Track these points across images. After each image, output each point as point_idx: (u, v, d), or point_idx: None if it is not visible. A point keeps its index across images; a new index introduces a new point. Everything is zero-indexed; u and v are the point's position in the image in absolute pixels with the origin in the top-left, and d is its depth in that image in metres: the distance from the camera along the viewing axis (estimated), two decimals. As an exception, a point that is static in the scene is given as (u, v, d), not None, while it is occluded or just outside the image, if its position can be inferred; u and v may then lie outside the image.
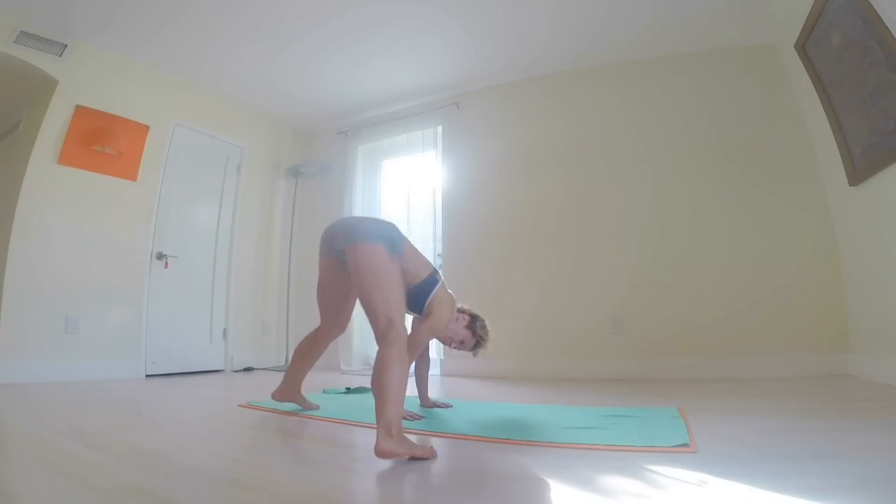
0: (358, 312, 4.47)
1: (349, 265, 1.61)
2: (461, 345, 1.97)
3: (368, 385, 1.47)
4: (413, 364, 2.09)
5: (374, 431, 1.20)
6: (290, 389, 2.03)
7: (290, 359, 4.30)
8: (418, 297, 1.84)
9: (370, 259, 1.56)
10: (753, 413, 1.81)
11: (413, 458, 1.24)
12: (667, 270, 3.23)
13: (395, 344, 1.40)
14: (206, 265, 4.02)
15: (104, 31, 3.23)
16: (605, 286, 3.36)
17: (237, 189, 4.29)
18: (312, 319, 4.34)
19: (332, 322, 1.98)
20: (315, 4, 3.03)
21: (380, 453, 1.18)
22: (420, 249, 1.94)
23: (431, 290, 1.84)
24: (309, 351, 2.03)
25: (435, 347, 3.51)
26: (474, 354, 2.03)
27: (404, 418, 1.78)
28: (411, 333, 1.90)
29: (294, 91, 4.19)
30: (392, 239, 1.66)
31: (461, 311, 1.98)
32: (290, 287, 4.51)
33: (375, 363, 1.39)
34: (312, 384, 3.09)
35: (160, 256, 3.64)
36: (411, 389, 2.19)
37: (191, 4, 2.99)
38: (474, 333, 1.96)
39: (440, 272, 2.14)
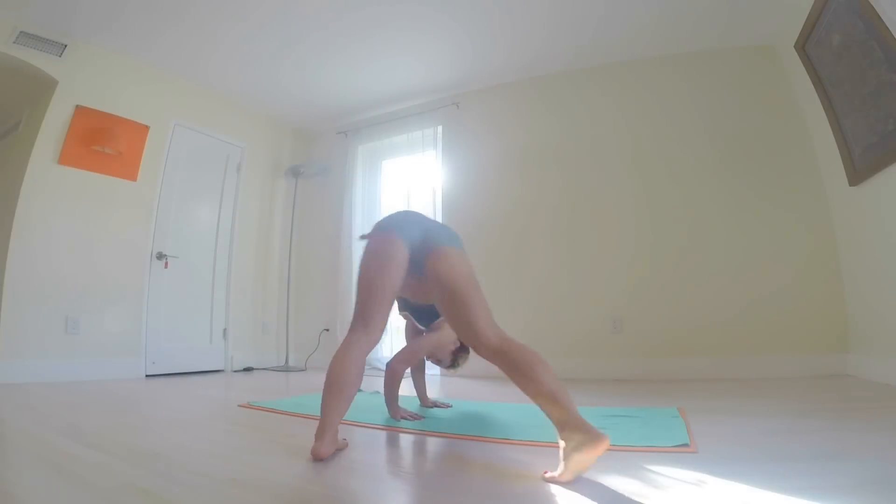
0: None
1: (435, 267, 1.40)
2: (438, 362, 2.04)
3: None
4: (409, 370, 2.11)
5: (373, 431, 1.18)
6: (335, 438, 1.29)
7: (289, 361, 4.34)
8: (436, 312, 1.90)
9: (470, 270, 1.44)
10: (753, 413, 1.81)
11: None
12: (667, 270, 3.23)
13: (522, 347, 1.26)
14: (206, 265, 4.02)
15: (104, 32, 3.24)
16: (605, 286, 3.36)
17: (237, 189, 4.29)
18: (312, 320, 4.32)
19: (384, 323, 1.44)
20: (315, 5, 3.03)
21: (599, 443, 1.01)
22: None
23: None
24: (357, 375, 1.34)
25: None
26: (448, 366, 2.06)
27: (404, 417, 1.78)
28: (416, 343, 1.95)
29: (294, 91, 4.19)
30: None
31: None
32: (290, 287, 4.51)
33: (524, 368, 1.21)
34: (313, 384, 3.09)
35: (160, 256, 3.64)
36: (410, 390, 2.19)
37: (191, 5, 2.99)
38: (453, 362, 2.02)
39: None
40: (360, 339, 1.37)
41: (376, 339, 1.41)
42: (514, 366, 1.22)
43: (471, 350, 1.97)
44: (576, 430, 1.04)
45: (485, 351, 1.30)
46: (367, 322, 1.39)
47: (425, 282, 1.46)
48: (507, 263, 3.68)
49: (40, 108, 3.22)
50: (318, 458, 1.21)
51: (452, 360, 2.02)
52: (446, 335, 1.92)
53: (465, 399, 2.38)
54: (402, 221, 1.50)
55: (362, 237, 1.53)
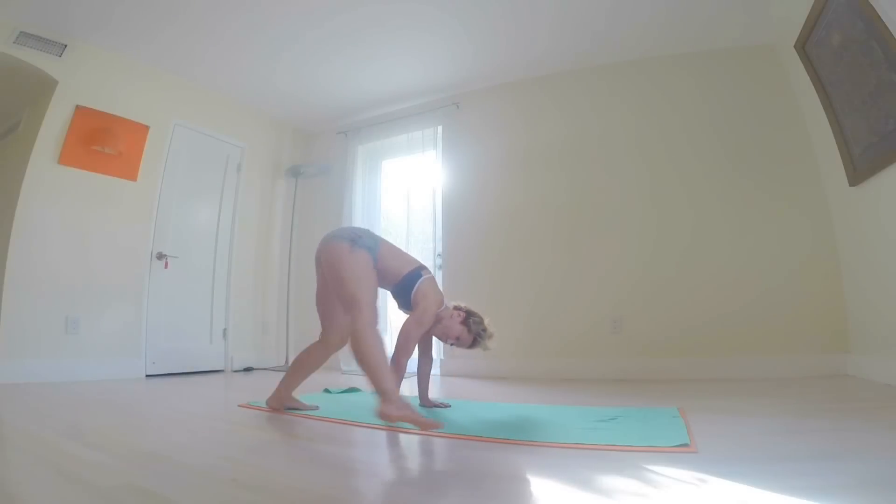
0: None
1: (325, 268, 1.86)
2: (457, 341, 1.97)
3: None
4: (417, 363, 2.10)
5: (372, 431, 1.20)
6: (281, 397, 1.99)
7: (289, 360, 4.33)
8: (403, 291, 1.94)
9: (334, 253, 1.82)
10: (753, 413, 1.81)
11: (415, 424, 1.43)
12: (666, 270, 3.23)
13: (360, 317, 1.60)
14: (206, 265, 4.02)
15: (104, 32, 3.23)
16: (605, 286, 3.36)
17: (237, 189, 4.29)
18: (312, 319, 4.38)
19: (329, 328, 2.02)
20: (315, 5, 3.03)
21: (379, 415, 1.39)
22: (420, 249, 1.98)
23: (414, 283, 1.92)
24: (307, 361, 2.03)
25: (436, 347, 3.51)
26: (483, 348, 1.99)
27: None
28: (400, 329, 1.91)
29: (294, 91, 4.19)
30: (353, 237, 1.86)
31: (457, 307, 1.98)
32: (290, 287, 4.51)
33: (350, 342, 1.62)
34: (313, 384, 3.09)
35: (160, 256, 3.64)
36: (411, 390, 2.19)
37: (191, 5, 2.99)
38: (470, 330, 1.95)
39: (431, 270, 2.21)
40: (319, 339, 2.03)
41: (326, 336, 2.03)
42: (351, 334, 1.68)
43: (481, 325, 1.98)
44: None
45: (346, 309, 1.75)
46: (322, 328, 2.05)
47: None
48: (507, 263, 3.68)
49: (40, 108, 3.22)
50: (269, 404, 1.91)
51: (469, 331, 1.94)
52: (422, 308, 1.88)
53: (465, 399, 2.38)
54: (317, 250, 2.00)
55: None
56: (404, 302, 1.98)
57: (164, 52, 3.52)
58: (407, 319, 1.91)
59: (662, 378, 2.98)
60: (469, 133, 4.05)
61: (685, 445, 1.29)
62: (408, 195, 4.25)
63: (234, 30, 3.27)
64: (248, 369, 4.14)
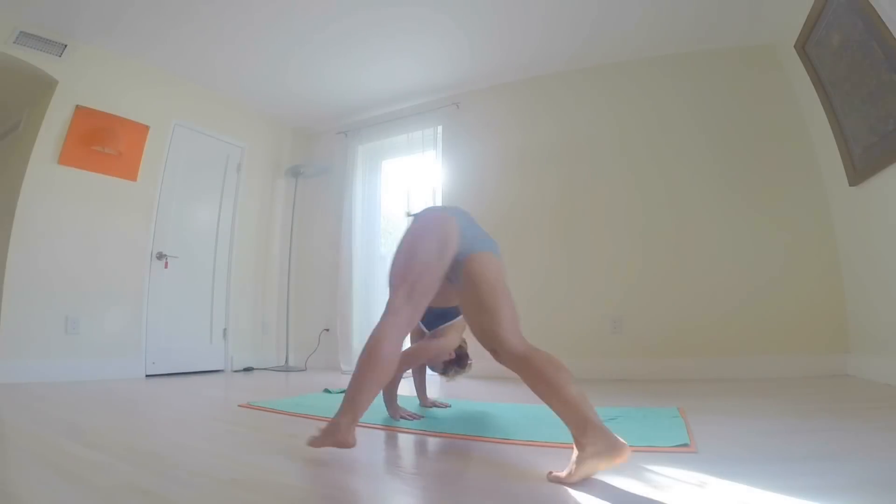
0: (358, 309, 4.35)
1: (469, 268, 1.37)
2: (442, 367, 2.02)
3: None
4: (410, 370, 2.10)
5: (372, 431, 1.19)
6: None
7: (289, 359, 4.34)
8: (443, 317, 1.90)
9: (498, 273, 1.43)
10: (753, 413, 1.81)
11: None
12: (666, 270, 3.23)
13: (545, 354, 1.26)
14: (206, 265, 4.02)
15: (104, 32, 3.24)
16: (605, 286, 3.36)
17: (237, 189, 4.29)
18: (312, 320, 4.32)
19: (425, 307, 1.39)
20: (316, 7, 3.03)
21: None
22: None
23: (456, 316, 1.90)
24: (396, 361, 1.31)
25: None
26: (448, 378, 2.06)
27: (403, 417, 1.79)
28: (419, 346, 1.92)
29: (294, 91, 4.19)
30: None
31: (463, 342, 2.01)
32: (290, 287, 4.51)
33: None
34: (313, 384, 3.09)
35: (160, 256, 3.64)
36: (410, 390, 2.19)
37: (192, 6, 2.99)
38: (444, 370, 2.01)
39: None
40: (403, 322, 1.26)
41: (416, 324, 1.33)
42: (538, 373, 1.18)
43: (467, 365, 1.99)
44: (598, 437, 1.00)
45: (506, 356, 1.25)
46: (415, 303, 1.26)
47: (449, 284, 1.40)
48: (507, 263, 3.67)
49: (40, 108, 3.22)
50: (346, 446, 1.18)
51: (444, 369, 2.02)
52: (450, 343, 1.90)
53: (465, 399, 2.38)
54: (461, 212, 1.45)
55: (410, 214, 1.52)
56: (433, 324, 1.94)
57: (165, 52, 3.52)
58: (429, 345, 1.90)
59: (662, 378, 2.98)
60: (469, 133, 4.05)
61: (685, 445, 1.29)
62: (408, 195, 4.25)
63: (234, 31, 3.27)
64: (248, 369, 4.14)
